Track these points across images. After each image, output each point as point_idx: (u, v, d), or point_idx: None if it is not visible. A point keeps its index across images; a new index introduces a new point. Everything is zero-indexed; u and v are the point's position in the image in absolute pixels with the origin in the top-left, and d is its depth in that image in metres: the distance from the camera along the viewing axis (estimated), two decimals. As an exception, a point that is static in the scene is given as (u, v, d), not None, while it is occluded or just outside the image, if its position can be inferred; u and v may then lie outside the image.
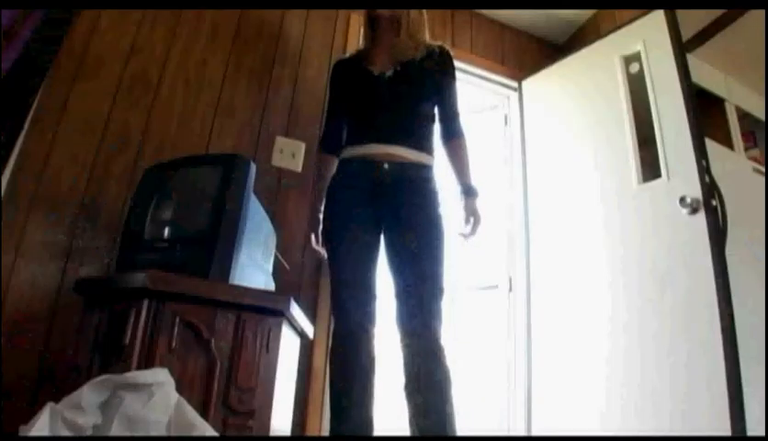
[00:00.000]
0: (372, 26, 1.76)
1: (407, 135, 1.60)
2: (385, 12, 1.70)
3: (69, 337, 1.53)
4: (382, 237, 1.57)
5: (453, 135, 1.73)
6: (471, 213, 1.64)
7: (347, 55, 1.92)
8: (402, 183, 1.56)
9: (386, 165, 1.56)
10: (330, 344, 1.52)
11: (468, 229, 1.64)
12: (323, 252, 1.66)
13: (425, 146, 1.64)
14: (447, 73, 1.73)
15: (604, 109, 2.23)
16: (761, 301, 1.95)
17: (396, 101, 1.63)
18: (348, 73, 1.76)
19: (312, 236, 1.72)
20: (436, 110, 1.72)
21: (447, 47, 1.76)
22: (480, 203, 1.68)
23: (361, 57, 1.76)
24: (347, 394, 1.42)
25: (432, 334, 1.43)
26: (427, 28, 1.79)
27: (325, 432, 1.84)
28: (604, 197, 2.13)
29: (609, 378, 1.90)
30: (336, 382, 1.46)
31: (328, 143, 1.78)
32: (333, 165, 1.71)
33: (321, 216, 1.65)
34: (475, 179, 1.71)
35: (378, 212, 1.56)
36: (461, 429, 1.42)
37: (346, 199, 1.58)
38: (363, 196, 1.56)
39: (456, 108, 1.74)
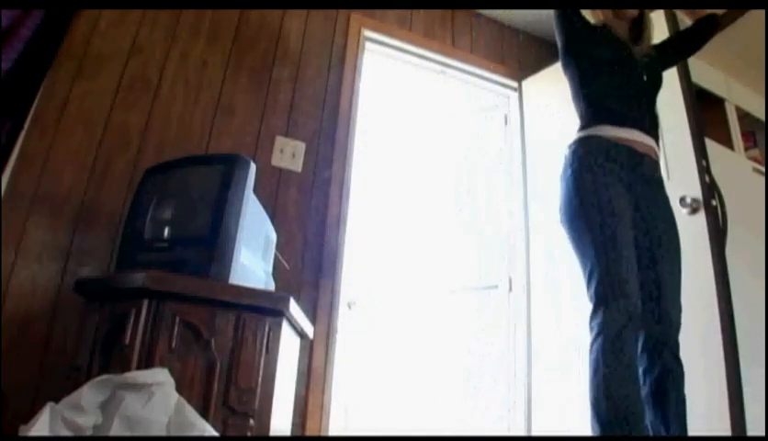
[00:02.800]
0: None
1: (656, 129, 1.54)
2: (633, 13, 1.63)
3: (69, 337, 1.54)
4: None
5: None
6: None
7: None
8: (656, 180, 1.51)
9: (646, 157, 1.48)
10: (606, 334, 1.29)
11: None
12: None
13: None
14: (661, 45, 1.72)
15: (604, 109, 2.22)
16: (761, 301, 1.95)
17: (652, 90, 1.58)
18: (603, 33, 1.62)
19: None
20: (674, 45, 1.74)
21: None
22: None
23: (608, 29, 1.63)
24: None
25: (676, 337, 1.37)
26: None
27: (325, 432, 1.84)
28: (604, 197, 2.12)
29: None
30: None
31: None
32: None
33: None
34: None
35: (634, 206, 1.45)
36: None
37: (610, 182, 1.42)
38: (624, 184, 1.44)
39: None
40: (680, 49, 1.75)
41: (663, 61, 1.68)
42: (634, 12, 1.64)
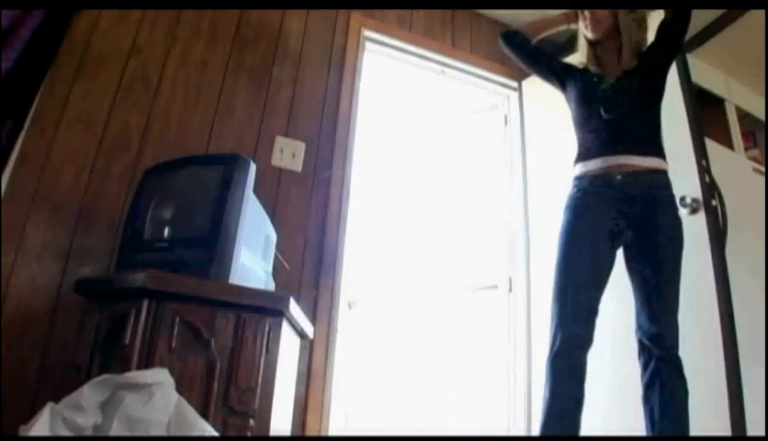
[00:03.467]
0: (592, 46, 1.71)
1: (638, 142, 1.56)
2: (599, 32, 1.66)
3: (69, 337, 1.54)
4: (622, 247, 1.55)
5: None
6: None
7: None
8: (642, 192, 1.52)
9: (618, 177, 1.53)
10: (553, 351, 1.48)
11: None
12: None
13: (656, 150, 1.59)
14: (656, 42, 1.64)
15: (604, 109, 2.22)
16: (761, 301, 1.95)
17: (626, 106, 1.57)
18: (569, 75, 1.75)
19: None
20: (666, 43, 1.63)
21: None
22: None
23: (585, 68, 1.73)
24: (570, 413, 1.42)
25: (670, 344, 1.43)
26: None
27: (325, 432, 1.84)
28: (604, 197, 2.12)
29: (609, 378, 1.89)
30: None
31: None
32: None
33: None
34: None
35: (617, 224, 1.53)
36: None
37: (583, 212, 1.57)
38: (600, 208, 1.53)
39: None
40: (661, 44, 1.64)
41: (653, 64, 1.62)
42: (601, 29, 1.65)
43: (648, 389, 1.44)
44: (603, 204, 1.53)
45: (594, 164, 1.57)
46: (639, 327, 1.49)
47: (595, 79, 1.66)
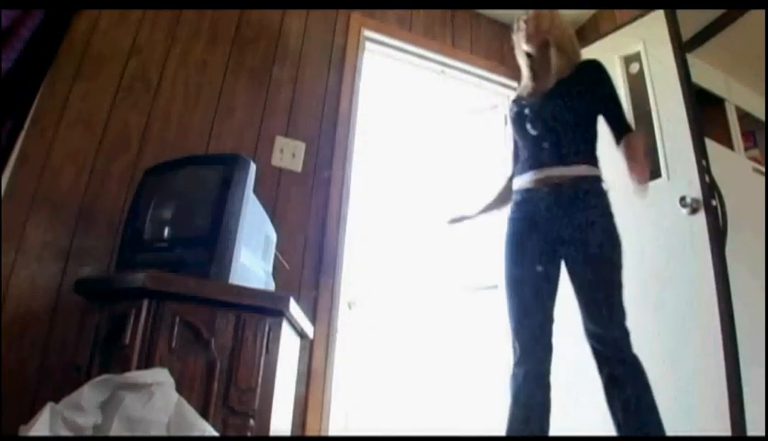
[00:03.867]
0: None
1: (565, 150, 1.57)
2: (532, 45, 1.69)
3: (69, 337, 1.54)
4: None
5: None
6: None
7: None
8: (570, 200, 1.53)
9: (545, 189, 1.56)
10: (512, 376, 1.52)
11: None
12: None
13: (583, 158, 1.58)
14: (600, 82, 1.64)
15: (604, 109, 2.22)
16: (761, 301, 1.95)
17: (550, 122, 1.60)
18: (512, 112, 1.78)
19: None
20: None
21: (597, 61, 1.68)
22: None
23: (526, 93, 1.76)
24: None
25: (619, 345, 1.44)
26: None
27: (325, 432, 1.84)
28: (604, 197, 2.12)
29: (609, 378, 1.90)
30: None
31: None
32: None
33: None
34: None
35: (550, 234, 1.55)
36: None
37: (519, 226, 1.62)
38: (533, 220, 1.57)
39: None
40: (604, 109, 1.63)
41: (583, 98, 1.60)
42: (534, 42, 1.68)
43: (608, 391, 1.44)
44: (536, 217, 1.56)
45: (527, 178, 1.62)
46: (586, 331, 1.50)
47: (524, 101, 1.71)
